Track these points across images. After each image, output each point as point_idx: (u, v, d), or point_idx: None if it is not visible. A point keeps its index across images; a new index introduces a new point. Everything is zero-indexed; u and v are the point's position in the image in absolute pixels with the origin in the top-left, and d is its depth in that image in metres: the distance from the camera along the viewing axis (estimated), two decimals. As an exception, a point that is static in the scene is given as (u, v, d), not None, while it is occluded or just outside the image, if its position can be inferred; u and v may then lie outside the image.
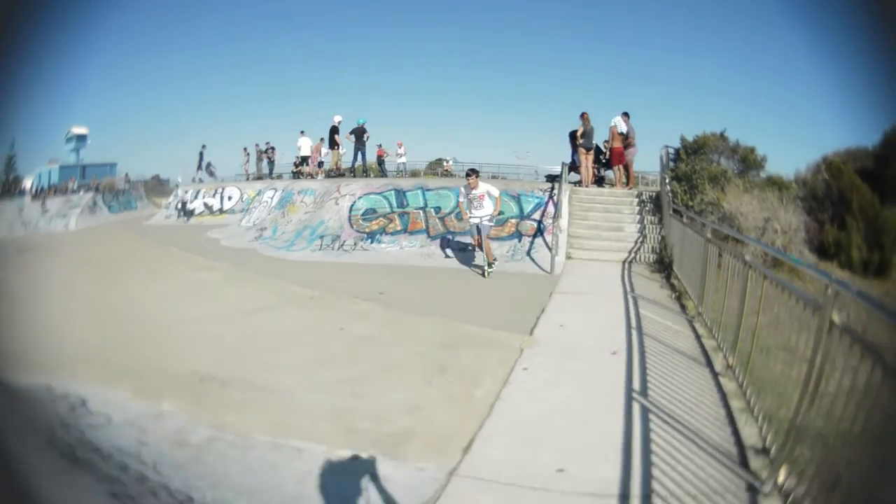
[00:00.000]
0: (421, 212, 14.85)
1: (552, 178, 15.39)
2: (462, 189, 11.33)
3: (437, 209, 14.61)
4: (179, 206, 24.50)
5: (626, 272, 10.89)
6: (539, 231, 13.17)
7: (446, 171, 25.11)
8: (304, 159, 22.98)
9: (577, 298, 8.89)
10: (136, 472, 3.93)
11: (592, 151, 15.43)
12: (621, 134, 14.86)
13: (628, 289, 9.25)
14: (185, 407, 5.02)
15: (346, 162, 21.02)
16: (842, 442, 2.72)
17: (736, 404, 4.56)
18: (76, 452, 4.17)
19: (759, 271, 4.62)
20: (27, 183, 28.00)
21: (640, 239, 12.74)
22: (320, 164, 22.34)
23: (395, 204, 15.34)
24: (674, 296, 8.93)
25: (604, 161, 16.04)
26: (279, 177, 24.12)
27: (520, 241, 13.11)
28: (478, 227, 10.96)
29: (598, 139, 15.67)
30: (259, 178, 24.99)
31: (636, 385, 5.00)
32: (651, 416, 4.34)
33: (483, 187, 10.88)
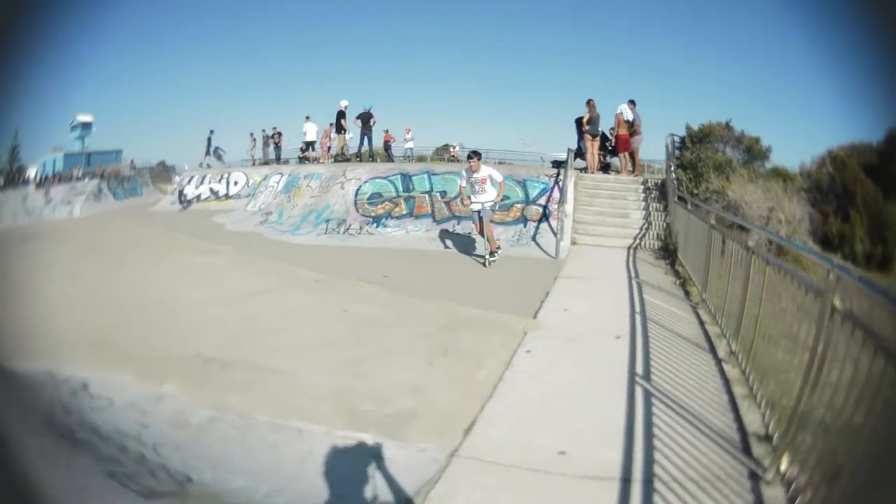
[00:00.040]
0: (427, 196, 14.76)
1: (558, 164, 15.29)
2: (463, 172, 10.58)
3: (443, 193, 14.48)
4: (177, 193, 24.26)
5: (630, 258, 10.80)
6: (544, 216, 13.08)
7: (453, 156, 25.02)
8: (310, 144, 22.87)
9: (582, 283, 8.82)
10: (135, 453, 3.90)
11: (598, 138, 15.35)
12: (627, 121, 14.81)
13: (633, 274, 9.17)
14: (186, 389, 4.99)
15: (352, 147, 20.92)
16: (844, 433, 2.66)
17: (739, 390, 4.50)
18: (75, 434, 4.14)
19: (762, 257, 4.54)
20: (31, 172, 27.75)
21: (646, 226, 12.66)
22: (329, 148, 22.22)
23: (400, 188, 15.26)
24: (678, 282, 8.86)
25: (610, 148, 15.97)
26: (286, 162, 23.98)
27: (525, 225, 13.02)
28: (479, 213, 10.38)
29: (604, 126, 15.60)
30: (265, 163, 24.83)
31: (639, 369, 4.94)
32: (653, 401, 4.28)
33: (485, 171, 10.31)
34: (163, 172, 30.82)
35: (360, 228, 14.43)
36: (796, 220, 12.99)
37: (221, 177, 23.73)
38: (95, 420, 4.38)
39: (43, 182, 26.53)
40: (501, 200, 10.99)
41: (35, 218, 22.90)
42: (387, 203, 15.06)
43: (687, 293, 8.10)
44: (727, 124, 15.45)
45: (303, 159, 22.76)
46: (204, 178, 24.23)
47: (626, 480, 3.30)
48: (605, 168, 16.16)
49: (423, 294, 8.15)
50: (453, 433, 4.00)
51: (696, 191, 13.23)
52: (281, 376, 5.28)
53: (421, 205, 14.58)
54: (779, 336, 4.05)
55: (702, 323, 6.55)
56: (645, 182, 14.44)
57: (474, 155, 10.42)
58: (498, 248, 10.77)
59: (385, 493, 3.34)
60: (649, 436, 3.77)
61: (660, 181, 14.39)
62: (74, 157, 29.92)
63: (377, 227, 14.41)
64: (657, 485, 3.23)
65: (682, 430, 3.82)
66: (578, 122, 15.39)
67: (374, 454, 3.80)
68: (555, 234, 11.71)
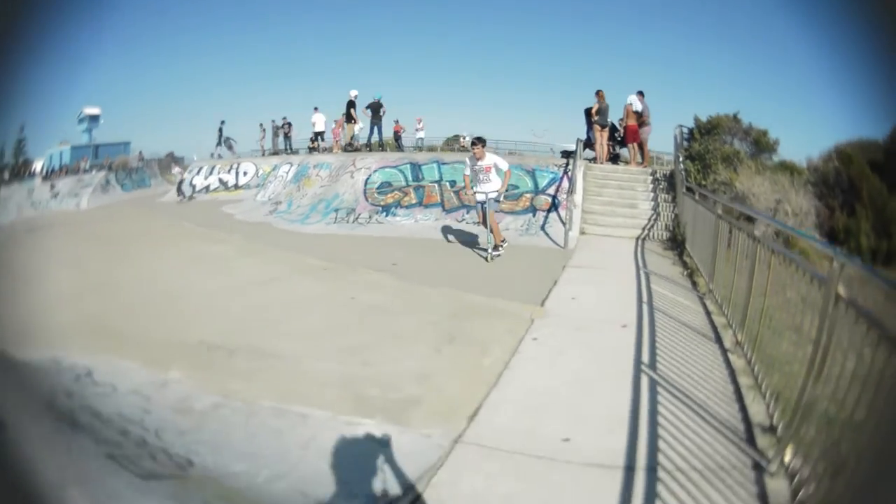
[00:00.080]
0: (436, 185, 14.71)
1: (567, 155, 15.18)
2: (466, 160, 10.00)
3: (453, 183, 14.38)
4: (176, 185, 24.15)
5: (639, 248, 10.74)
6: (553, 206, 13.02)
7: (463, 147, 24.89)
8: (318, 135, 22.82)
9: (590, 272, 8.77)
10: (136, 437, 3.88)
11: (607, 129, 15.29)
12: (636, 112, 14.77)
13: (641, 265, 9.12)
14: (191, 375, 4.96)
15: (362, 138, 20.85)
16: (847, 426, 2.61)
17: (744, 381, 4.45)
18: (76, 418, 4.13)
19: (768, 246, 4.49)
20: (37, 165, 27.56)
21: (654, 216, 12.60)
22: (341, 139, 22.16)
23: (410, 177, 15.22)
24: (685, 273, 8.78)
25: (619, 139, 15.88)
26: (295, 153, 23.92)
27: (534, 215, 12.96)
28: (482, 204, 9.81)
29: (613, 117, 15.52)
30: (275, 153, 24.80)
31: (645, 358, 4.91)
32: (659, 389, 4.25)
33: (490, 159, 9.65)
34: (171, 163, 30.73)
35: (370, 217, 14.40)
36: (803, 212, 12.88)
37: (231, 167, 23.70)
38: (98, 406, 4.36)
39: (49, 175, 26.24)
40: (510, 190, 10.83)
41: (41, 210, 22.74)
42: (396, 192, 15.02)
43: (694, 284, 8.03)
44: (735, 116, 15.35)
45: (312, 150, 22.69)
46: (213, 168, 24.19)
47: (630, 468, 3.27)
48: (614, 159, 16.08)
49: (431, 282, 8.10)
50: (458, 419, 3.97)
51: (704, 182, 13.13)
52: (286, 363, 5.25)
53: (430, 194, 14.53)
54: (784, 328, 4.00)
55: (708, 313, 6.48)
56: (654, 173, 14.35)
57: (478, 142, 9.69)
58: (503, 241, 10.20)
59: (388, 478, 3.30)
60: (654, 424, 3.74)
61: (668, 172, 14.31)
62: (81, 149, 29.57)
63: (386, 216, 14.38)
64: (661, 474, 3.20)
65: (686, 420, 3.78)
66: (588, 112, 15.34)
67: (377, 440, 3.78)
68: (563, 223, 11.66)
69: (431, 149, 23.95)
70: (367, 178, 15.67)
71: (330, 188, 16.27)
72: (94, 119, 31.65)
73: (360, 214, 14.59)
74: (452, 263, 9.84)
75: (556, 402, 4.24)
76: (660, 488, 3.07)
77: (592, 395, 4.33)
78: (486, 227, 9.93)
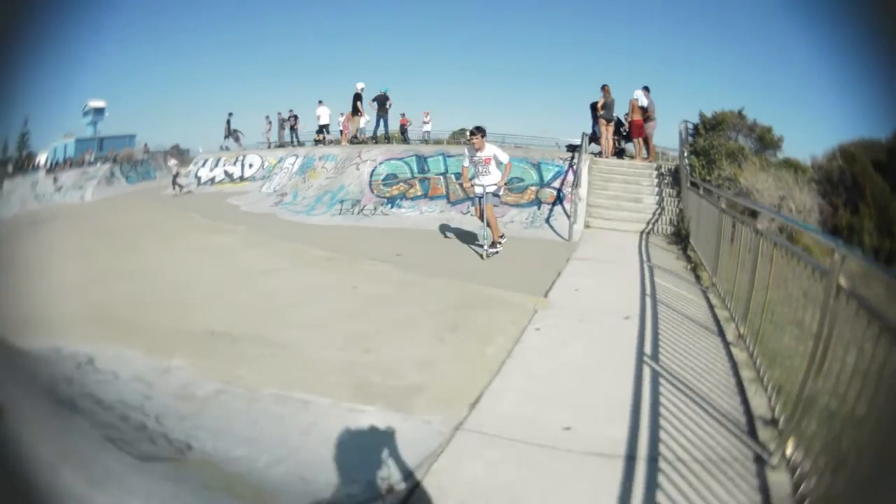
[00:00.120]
0: (441, 178, 14.66)
1: (573, 148, 15.09)
2: (465, 151, 9.46)
3: (458, 175, 14.10)
4: (171, 179, 23.53)
5: (643, 242, 10.68)
6: (558, 199, 12.95)
7: (468, 140, 24.76)
8: (323, 128, 22.77)
9: (594, 265, 8.71)
10: (136, 422, 3.85)
11: (613, 123, 15.25)
12: (642, 107, 14.72)
13: (645, 258, 9.06)
14: (194, 362, 4.93)
15: (368, 131, 20.78)
16: (848, 420, 2.56)
17: (746, 374, 4.40)
18: (75, 402, 4.10)
19: (770, 239, 4.44)
20: (41, 158, 27.30)
21: (659, 211, 12.54)
22: (342, 132, 22.09)
23: (415, 169, 15.17)
24: (689, 267, 8.72)
25: (624, 133, 15.82)
26: (301, 145, 23.86)
27: (539, 208, 12.91)
28: (480, 198, 9.25)
29: (619, 112, 15.49)
30: (281, 146, 24.72)
31: (647, 349, 4.86)
32: (661, 381, 4.20)
33: (490, 150, 9.06)
34: (177, 156, 30.64)
35: (375, 209, 14.36)
36: (806, 209, 12.83)
37: (236, 159, 23.65)
38: (98, 392, 4.33)
39: (54, 167, 26.19)
40: (515, 183, 10.67)
41: (45, 203, 22.62)
42: (402, 184, 14.98)
43: (698, 277, 7.96)
44: (740, 113, 15.29)
45: (318, 143, 22.60)
46: (219, 160, 24.12)
47: (631, 458, 3.23)
48: (619, 153, 16.03)
49: (435, 273, 8.06)
50: (459, 407, 3.94)
51: (708, 177, 13.08)
52: (290, 351, 5.22)
53: (436, 186, 14.49)
54: (786, 322, 3.95)
55: (711, 307, 6.41)
56: (658, 168, 14.31)
57: (477, 131, 9.06)
58: (502, 237, 9.66)
59: (388, 464, 3.27)
60: (656, 415, 3.70)
61: (673, 167, 14.25)
62: (86, 142, 29.47)
63: (392, 207, 14.34)
64: (662, 464, 3.16)
65: (688, 411, 3.74)
66: (593, 106, 15.27)
67: (379, 426, 3.74)
68: (568, 216, 11.58)
69: (438, 142, 23.89)
70: (373, 170, 15.63)
71: (335, 180, 16.22)
72: (99, 112, 31.45)
73: (365, 206, 14.55)
74: (457, 255, 9.77)
75: (558, 391, 4.20)
76: (661, 479, 3.02)
77: (594, 384, 4.29)
78: (483, 221, 9.38)
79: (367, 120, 20.56)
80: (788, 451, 3.10)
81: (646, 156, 15.29)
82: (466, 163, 9.33)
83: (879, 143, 15.31)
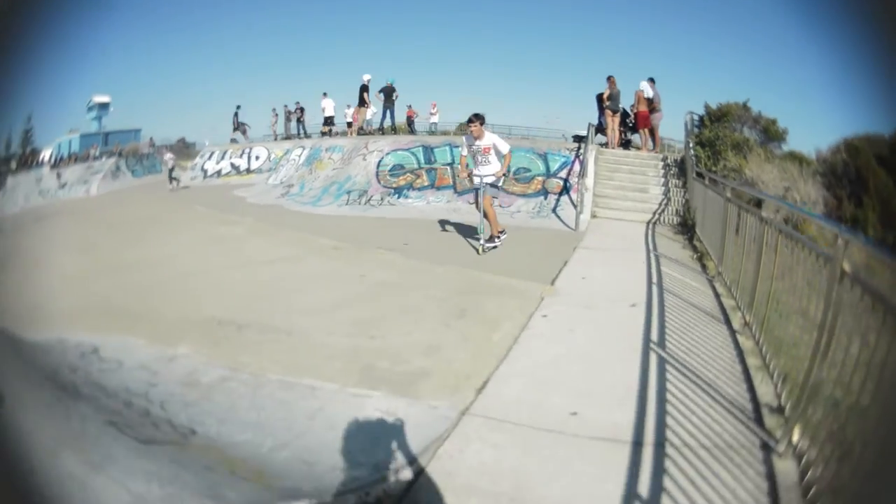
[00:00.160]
0: (448, 168, 14.57)
1: (579, 139, 15.01)
2: (463, 139, 8.88)
3: (474, 166, 14.19)
4: (167, 172, 23.31)
5: (649, 232, 10.59)
6: (565, 189, 12.89)
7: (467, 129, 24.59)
8: (328, 120, 22.69)
9: (601, 254, 8.64)
10: (140, 408, 3.82)
11: (619, 114, 15.18)
12: (647, 98, 14.64)
13: (651, 247, 9.00)
14: (200, 350, 4.90)
15: (374, 122, 20.68)
16: (853, 409, 2.52)
17: (752, 361, 4.34)
18: (78, 390, 4.07)
19: (775, 226, 4.40)
20: (45, 154, 27.04)
21: (665, 201, 12.46)
22: (349, 124, 22.02)
23: (422, 160, 15.10)
24: (695, 256, 8.63)
25: (630, 125, 15.73)
26: (308, 137, 23.78)
27: (546, 198, 12.84)
28: (478, 189, 8.75)
29: (625, 104, 15.40)
30: (288, 138, 24.64)
31: (654, 336, 4.81)
32: (667, 367, 4.15)
33: (489, 138, 8.49)
34: (183, 149, 30.47)
35: (382, 199, 14.31)
36: (811, 201, 12.76)
37: (243, 152, 23.56)
38: (102, 380, 4.30)
39: (58, 163, 25.70)
40: (521, 173, 10.56)
41: (49, 198, 22.39)
42: (408, 174, 14.93)
43: (704, 267, 7.89)
44: (745, 104, 15.23)
45: (325, 135, 22.52)
46: (225, 153, 24.03)
47: (637, 443, 3.19)
48: (625, 144, 15.96)
49: (442, 261, 8.02)
50: (466, 392, 3.91)
51: (714, 168, 13.03)
52: (296, 337, 5.19)
53: (442, 176, 14.42)
54: (791, 312, 3.90)
55: (717, 295, 6.35)
56: (664, 158, 14.23)
57: (476, 118, 8.46)
58: (502, 231, 9.05)
59: (394, 448, 3.24)
60: (662, 401, 3.65)
61: (679, 158, 14.18)
62: (91, 137, 29.01)
63: (398, 198, 14.30)
64: (669, 449, 3.11)
65: (694, 397, 3.69)
66: (599, 97, 15.21)
67: (384, 410, 3.71)
68: (575, 206, 11.52)
69: (444, 133, 23.82)
70: (380, 161, 15.56)
71: (342, 171, 16.17)
72: (103, 107, 31.21)
73: (372, 196, 14.51)
74: (463, 244, 9.65)
75: (564, 376, 4.15)
76: (668, 464, 2.98)
77: (601, 370, 4.24)
78: (480, 212, 8.85)
79: (373, 111, 20.49)
80: (795, 439, 3.05)
81: (652, 147, 15.20)
82: (465, 152, 8.79)
83: (883, 139, 15.26)
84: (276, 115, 26.11)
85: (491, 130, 8.81)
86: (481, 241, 8.74)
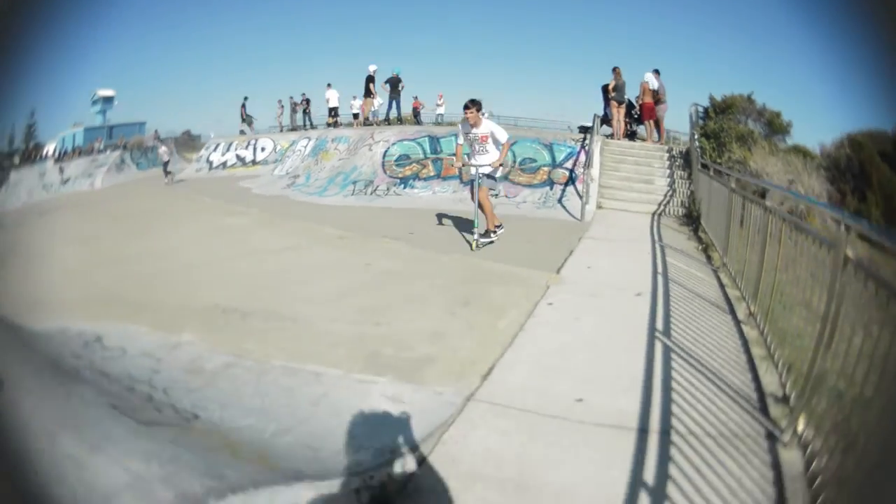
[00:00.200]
0: (454, 158, 14.45)
1: (585, 130, 14.94)
2: (459, 126, 8.38)
3: (468, 156, 14.09)
4: (164, 164, 23.06)
5: (655, 223, 10.55)
6: (571, 180, 12.86)
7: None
8: (333, 110, 22.65)
9: (606, 244, 8.60)
10: (142, 393, 3.79)
11: (624, 105, 15.14)
12: (652, 90, 14.60)
13: (656, 238, 8.95)
14: (204, 337, 4.86)
15: (380, 113, 20.63)
16: (857, 400, 2.48)
17: (757, 351, 4.32)
18: (80, 376, 4.04)
19: (779, 215, 4.37)
20: (49, 148, 26.80)
21: (670, 192, 12.42)
22: (355, 115, 21.97)
23: (428, 150, 15.05)
24: (700, 247, 8.60)
25: (635, 116, 15.68)
26: (314, 128, 23.72)
27: (551, 188, 12.83)
28: (472, 180, 8.31)
29: (630, 95, 15.40)
30: (293, 129, 24.60)
31: (659, 325, 4.77)
32: (672, 356, 4.11)
33: (487, 126, 7.98)
34: (188, 141, 30.38)
35: (388, 189, 14.28)
36: (815, 194, 12.71)
37: (248, 143, 23.51)
38: (106, 367, 4.27)
39: (62, 157, 25.59)
40: (526, 163, 10.50)
41: (53, 192, 22.29)
42: (414, 165, 14.88)
43: (709, 258, 7.86)
44: (749, 97, 15.17)
45: (331, 126, 22.46)
46: (230, 144, 23.98)
47: (643, 431, 3.15)
48: (631, 135, 15.91)
49: (447, 250, 7.99)
50: (471, 378, 3.87)
51: (719, 160, 12.98)
52: (301, 324, 5.15)
53: (448, 166, 14.31)
54: (794, 303, 3.87)
55: (722, 286, 6.32)
56: (670, 150, 14.19)
57: (472, 104, 7.89)
58: (498, 226, 8.43)
59: (398, 433, 3.21)
60: (667, 389, 3.61)
61: (684, 150, 14.13)
62: (95, 130, 28.80)
63: (404, 188, 14.26)
64: (674, 437, 3.08)
65: (700, 386, 3.66)
66: (605, 88, 15.14)
67: (389, 396, 3.68)
68: (580, 197, 11.50)
69: (451, 124, 23.76)
70: (386, 151, 15.52)
71: (348, 161, 16.13)
72: (108, 100, 31.06)
73: (377, 186, 14.47)
74: (469, 233, 9.62)
75: (570, 363, 4.11)
76: (673, 451, 2.95)
77: (607, 358, 4.21)
78: (473, 201, 8.30)
79: (379, 102, 20.43)
80: (800, 429, 3.03)
81: (657, 138, 15.20)
82: (460, 140, 8.28)
83: (886, 135, 15.22)
84: (282, 106, 26.10)
85: (496, 121, 8.75)
86: (475, 236, 8.16)
